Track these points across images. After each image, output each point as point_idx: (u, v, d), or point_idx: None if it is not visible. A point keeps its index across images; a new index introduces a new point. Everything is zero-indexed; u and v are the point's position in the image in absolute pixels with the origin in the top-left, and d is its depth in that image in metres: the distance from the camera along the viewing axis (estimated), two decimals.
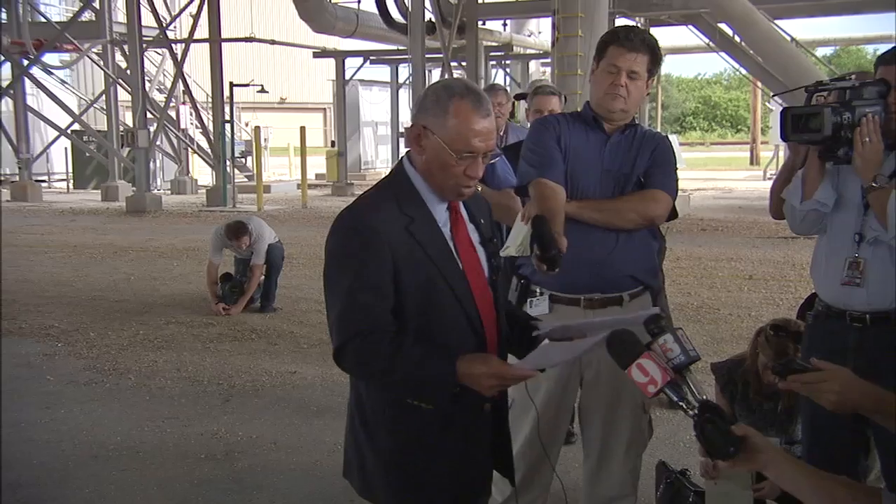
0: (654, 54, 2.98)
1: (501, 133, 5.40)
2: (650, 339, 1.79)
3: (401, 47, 22.08)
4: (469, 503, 2.30)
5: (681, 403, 1.72)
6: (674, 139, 14.87)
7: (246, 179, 24.70)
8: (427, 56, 18.12)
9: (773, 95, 14.98)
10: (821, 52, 29.63)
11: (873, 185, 2.69)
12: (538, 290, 3.01)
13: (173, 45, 22.07)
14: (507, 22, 24.51)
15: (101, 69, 22.78)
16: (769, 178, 25.07)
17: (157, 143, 21.47)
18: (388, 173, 2.28)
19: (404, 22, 19.14)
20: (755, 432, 1.69)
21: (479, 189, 3.62)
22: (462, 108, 2.06)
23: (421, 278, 2.09)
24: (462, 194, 2.14)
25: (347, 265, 2.09)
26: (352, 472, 2.29)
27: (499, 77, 27.56)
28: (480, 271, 2.21)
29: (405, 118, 24.51)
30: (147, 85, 21.66)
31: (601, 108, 3.04)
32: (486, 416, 2.18)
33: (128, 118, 23.51)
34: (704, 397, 1.72)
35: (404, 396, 2.12)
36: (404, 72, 25.27)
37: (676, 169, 3.15)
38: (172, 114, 23.57)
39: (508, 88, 25.94)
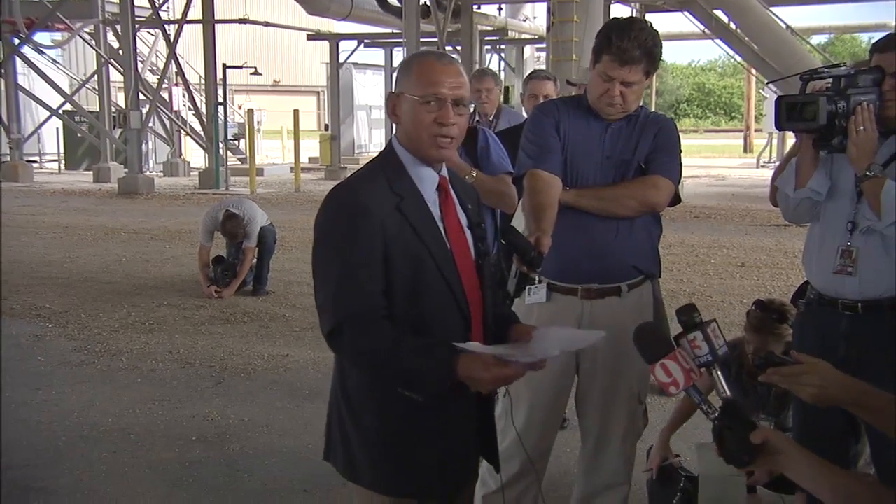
0: (652, 57, 2.86)
1: (492, 118, 5.42)
2: (681, 332, 1.76)
3: (395, 31, 22.01)
4: (455, 486, 2.29)
5: (702, 406, 1.70)
6: None
7: (239, 162, 24.61)
8: (422, 40, 18.02)
9: (768, 83, 14.97)
10: (815, 39, 29.58)
11: (867, 173, 2.68)
12: (536, 278, 2.96)
13: (166, 26, 21.89)
14: (503, 6, 24.39)
15: (93, 49, 22.65)
16: (762, 166, 25.10)
17: (150, 124, 21.36)
18: (379, 153, 2.28)
19: (399, 5, 19.04)
20: (775, 433, 1.67)
21: (475, 175, 3.62)
22: (424, 62, 2.15)
23: (410, 257, 2.08)
24: (440, 146, 2.12)
25: (339, 244, 2.08)
26: (335, 454, 2.28)
27: (493, 62, 27.48)
28: (468, 253, 2.21)
29: None
30: (139, 66, 21.52)
31: (597, 109, 2.96)
32: (472, 401, 2.17)
33: (120, 99, 23.36)
34: (728, 396, 1.69)
35: (395, 386, 2.10)
36: (399, 55, 25.17)
37: (680, 153, 3.07)
38: (165, 95, 23.44)
39: (503, 74, 25.90)
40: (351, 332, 2.05)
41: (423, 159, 2.16)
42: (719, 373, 1.71)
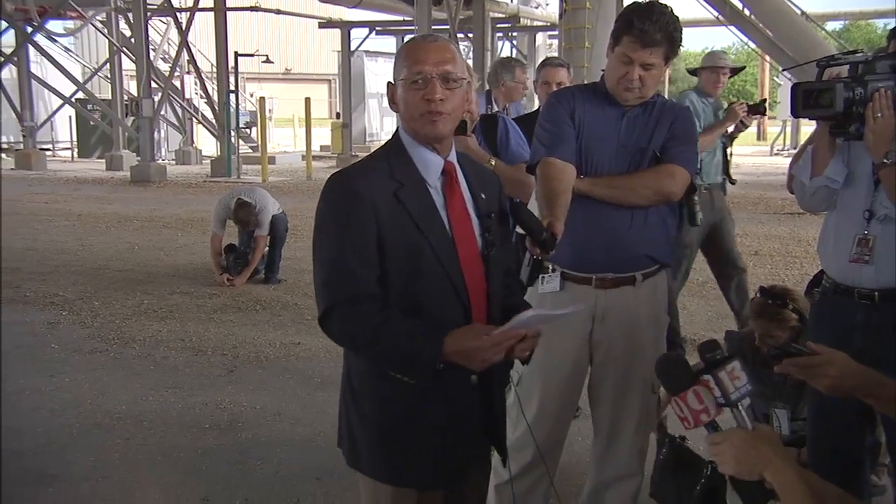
0: (672, 42, 2.82)
1: (507, 104, 5.42)
2: (704, 367, 1.69)
3: (407, 18, 21.96)
4: (457, 478, 2.25)
5: None
6: None
7: (250, 150, 24.65)
8: (433, 27, 17.99)
9: (783, 70, 14.85)
10: (830, 26, 29.36)
11: (885, 161, 2.65)
12: (550, 267, 2.94)
13: (178, 14, 21.90)
14: None
15: (106, 37, 22.68)
16: (776, 154, 24.95)
17: (162, 112, 21.40)
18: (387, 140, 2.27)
19: None
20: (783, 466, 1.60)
21: (493, 163, 3.59)
22: (410, 45, 2.17)
23: (406, 244, 2.06)
24: (433, 122, 2.10)
25: (334, 229, 2.08)
26: (343, 443, 2.28)
27: (505, 49, 27.38)
28: (472, 241, 2.16)
29: None
30: (151, 54, 21.55)
31: (614, 93, 2.93)
32: (473, 390, 2.14)
33: (132, 87, 23.41)
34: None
35: (387, 369, 2.10)
36: None
37: (696, 142, 3.02)
38: (177, 83, 23.48)
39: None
40: (339, 316, 2.06)
41: (422, 141, 2.14)
42: (743, 413, 1.66)
